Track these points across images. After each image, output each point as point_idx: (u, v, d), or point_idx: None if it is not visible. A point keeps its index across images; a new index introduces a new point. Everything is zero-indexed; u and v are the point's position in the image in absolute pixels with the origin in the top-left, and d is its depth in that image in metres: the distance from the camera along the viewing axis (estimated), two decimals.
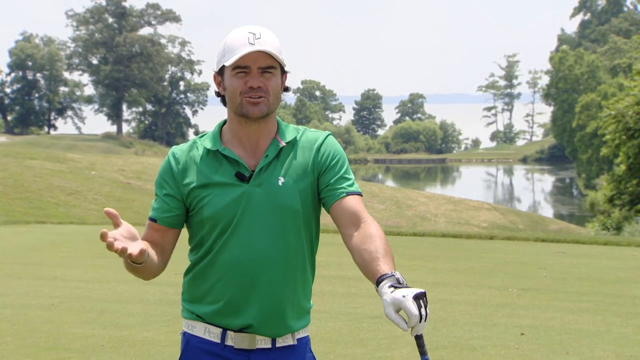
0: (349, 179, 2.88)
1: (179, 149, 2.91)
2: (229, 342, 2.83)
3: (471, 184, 74.71)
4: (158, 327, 7.47)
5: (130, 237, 2.68)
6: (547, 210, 53.12)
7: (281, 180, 2.83)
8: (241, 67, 2.77)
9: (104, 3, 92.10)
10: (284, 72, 2.86)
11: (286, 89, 2.89)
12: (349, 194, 2.85)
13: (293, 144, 2.89)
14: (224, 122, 2.93)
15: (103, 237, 2.59)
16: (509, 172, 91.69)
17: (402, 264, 11.61)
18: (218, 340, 2.84)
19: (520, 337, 7.25)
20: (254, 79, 2.78)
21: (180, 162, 2.87)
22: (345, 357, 6.53)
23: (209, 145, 2.87)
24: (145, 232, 2.92)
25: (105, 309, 8.32)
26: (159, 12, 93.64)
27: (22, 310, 8.23)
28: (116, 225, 2.68)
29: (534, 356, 6.64)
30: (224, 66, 2.81)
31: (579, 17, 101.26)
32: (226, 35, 2.84)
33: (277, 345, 2.85)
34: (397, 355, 6.55)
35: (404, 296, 2.49)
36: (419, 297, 2.50)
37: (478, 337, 7.21)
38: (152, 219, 2.91)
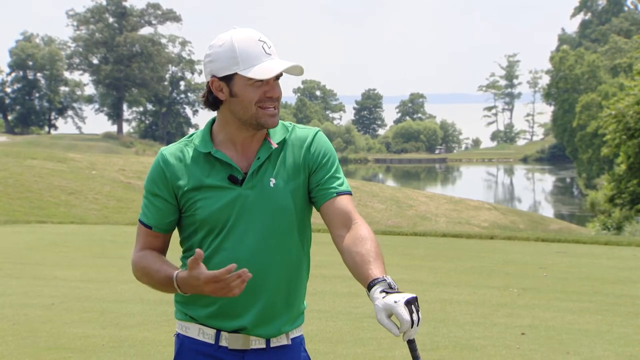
0: (339, 178, 2.87)
1: (169, 151, 2.88)
2: (223, 343, 2.83)
3: (472, 183, 74.70)
4: (158, 326, 7.47)
5: None
6: (547, 210, 53.12)
7: (272, 181, 2.82)
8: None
9: (104, 3, 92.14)
10: None
11: None
12: (339, 193, 2.84)
13: (283, 143, 2.88)
14: (213, 121, 2.91)
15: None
16: (510, 171, 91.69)
17: (402, 264, 11.61)
18: (212, 341, 2.83)
19: (521, 337, 7.24)
20: (273, 90, 2.79)
21: (171, 164, 2.85)
22: (345, 357, 6.52)
23: (200, 148, 2.84)
24: (143, 240, 2.89)
25: (105, 308, 8.31)
26: (159, 12, 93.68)
27: (23, 310, 8.22)
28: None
29: (535, 356, 6.63)
30: (239, 74, 2.76)
31: (580, 17, 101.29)
32: (230, 39, 2.77)
33: (272, 345, 2.85)
34: (398, 355, 6.54)
35: (395, 302, 2.50)
36: (411, 303, 2.50)
37: (478, 337, 7.21)
38: (147, 226, 2.88)
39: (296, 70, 2.81)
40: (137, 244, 2.91)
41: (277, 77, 2.79)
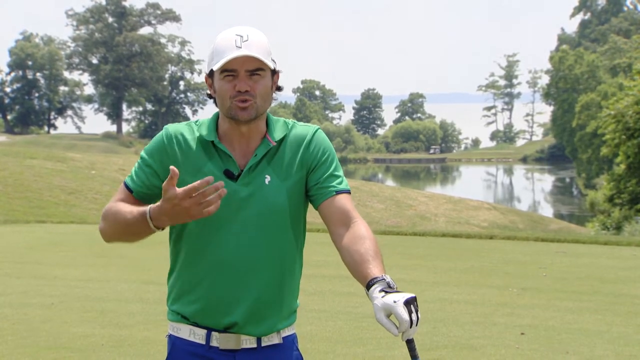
0: (338, 177, 2.86)
1: (174, 128, 2.87)
2: (214, 343, 2.81)
3: (471, 183, 74.73)
4: (158, 326, 7.46)
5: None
6: (547, 210, 53.17)
7: (268, 178, 2.81)
8: (229, 70, 2.75)
9: (104, 2, 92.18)
10: (275, 72, 2.84)
11: (278, 89, 2.87)
12: (338, 192, 2.83)
13: (282, 141, 2.87)
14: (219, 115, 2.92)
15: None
16: (509, 171, 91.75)
17: (402, 264, 11.61)
18: (203, 342, 2.82)
19: (521, 337, 7.25)
20: (241, 83, 2.76)
21: (174, 143, 2.84)
22: (345, 356, 6.53)
23: (204, 135, 2.84)
24: (120, 196, 2.87)
25: (105, 308, 8.32)
26: (158, 12, 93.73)
27: (22, 310, 8.23)
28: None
29: (534, 356, 6.64)
30: (213, 69, 2.79)
31: (579, 17, 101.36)
32: (215, 37, 2.82)
33: (263, 344, 2.83)
34: (397, 354, 6.55)
35: (395, 302, 2.49)
36: (410, 303, 2.49)
37: (478, 337, 7.21)
38: (129, 189, 2.86)
39: (252, 62, 2.75)
40: (113, 198, 2.89)
41: (252, 71, 2.76)
